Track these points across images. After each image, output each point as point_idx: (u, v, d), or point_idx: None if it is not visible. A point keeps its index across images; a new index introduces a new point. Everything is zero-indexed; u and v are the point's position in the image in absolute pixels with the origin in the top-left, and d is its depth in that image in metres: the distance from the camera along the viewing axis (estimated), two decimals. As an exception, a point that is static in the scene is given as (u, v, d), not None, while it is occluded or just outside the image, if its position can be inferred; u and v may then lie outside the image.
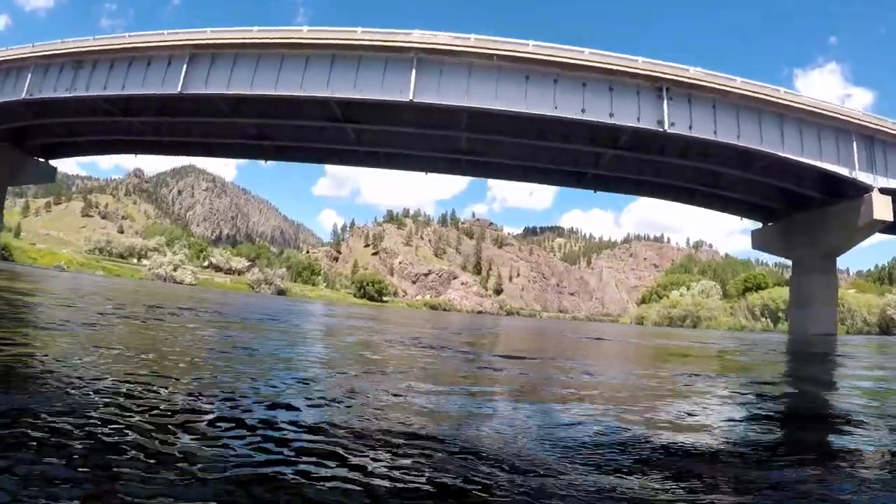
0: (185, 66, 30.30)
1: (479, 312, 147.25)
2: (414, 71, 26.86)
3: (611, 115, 27.29)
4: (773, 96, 30.00)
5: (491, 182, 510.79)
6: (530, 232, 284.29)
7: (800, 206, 36.22)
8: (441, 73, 27.18)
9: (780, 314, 65.05)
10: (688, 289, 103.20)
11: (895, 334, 54.46)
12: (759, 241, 40.24)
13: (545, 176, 36.20)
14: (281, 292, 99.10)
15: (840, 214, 33.61)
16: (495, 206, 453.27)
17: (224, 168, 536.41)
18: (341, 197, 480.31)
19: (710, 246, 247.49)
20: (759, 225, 40.55)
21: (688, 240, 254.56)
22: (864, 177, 31.80)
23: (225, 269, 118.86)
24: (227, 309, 17.35)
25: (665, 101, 27.77)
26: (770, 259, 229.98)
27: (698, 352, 14.30)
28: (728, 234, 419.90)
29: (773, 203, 37.20)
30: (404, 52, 27.32)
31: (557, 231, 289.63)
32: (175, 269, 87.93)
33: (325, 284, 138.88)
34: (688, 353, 13.84)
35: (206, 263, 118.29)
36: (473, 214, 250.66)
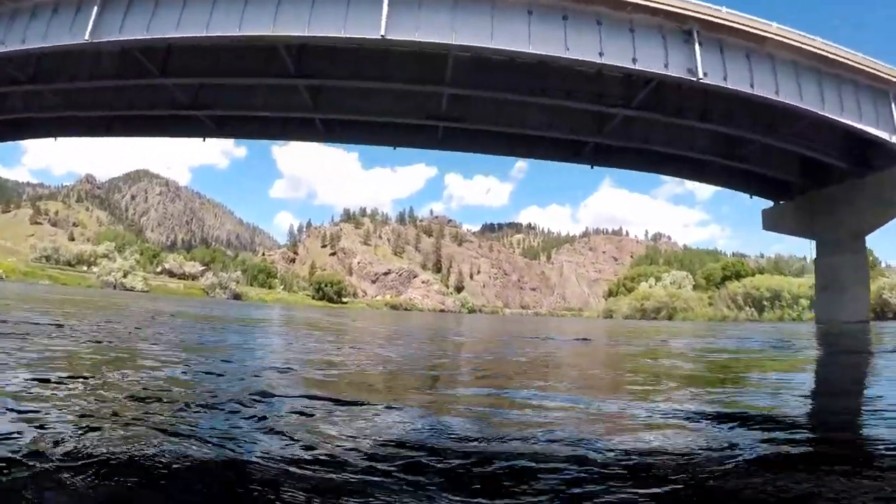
0: (95, 9, 23.21)
1: (442, 311, 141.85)
2: (386, 1, 20.50)
3: (634, 60, 21.52)
4: (810, 46, 24.95)
5: (448, 180, 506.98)
6: (488, 228, 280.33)
7: (821, 179, 31.56)
8: (420, 4, 20.88)
9: (764, 303, 61.46)
10: (657, 280, 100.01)
11: (889, 318, 51.36)
12: (772, 221, 35.43)
13: (535, 148, 30.21)
14: (237, 297, 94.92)
15: (873, 187, 29.11)
16: (452, 204, 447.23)
17: (178, 172, 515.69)
18: (297, 199, 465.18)
19: (669, 238, 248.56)
20: (770, 203, 35.87)
21: (646, 232, 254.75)
22: (904, 143, 27.29)
23: (178, 275, 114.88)
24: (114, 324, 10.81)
25: (696, 46, 22.28)
26: (728, 248, 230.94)
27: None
28: (685, 225, 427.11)
29: (792, 177, 32.38)
30: (373, -22, 20.93)
31: (516, 227, 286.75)
32: (125, 276, 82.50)
33: (282, 287, 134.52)
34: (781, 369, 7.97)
35: (159, 269, 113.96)
36: (431, 212, 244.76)
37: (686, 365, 7.59)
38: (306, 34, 20.88)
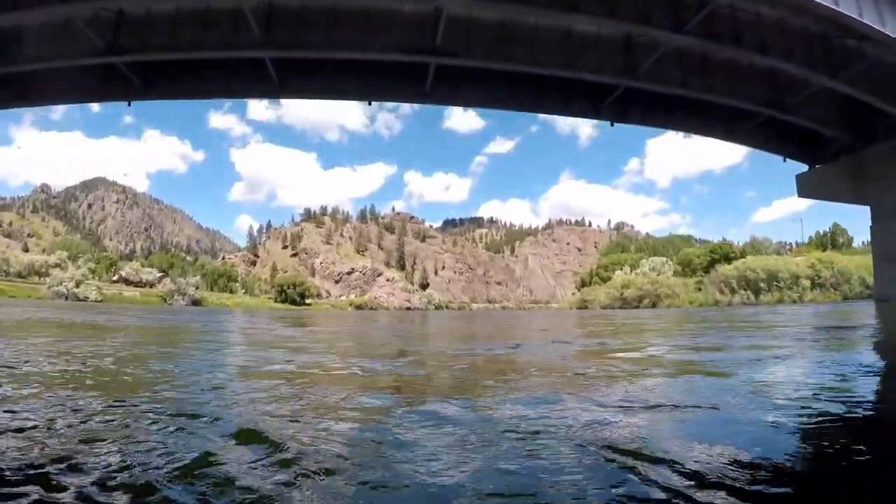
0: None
1: (408, 309, 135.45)
2: None
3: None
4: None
5: (408, 177, 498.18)
6: (450, 224, 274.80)
7: (871, 134, 26.39)
8: None
9: (761, 285, 56.89)
10: (632, 268, 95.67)
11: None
12: (810, 185, 30.02)
13: (545, 97, 23.55)
14: (196, 302, 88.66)
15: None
16: (413, 201, 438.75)
17: (136, 179, 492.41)
18: (257, 201, 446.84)
19: (632, 227, 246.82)
20: (804, 168, 30.51)
21: (609, 222, 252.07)
22: None
23: (135, 283, 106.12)
24: None
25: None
26: (696, 234, 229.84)
27: None
28: (644, 214, 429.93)
29: (838, 132, 27.03)
30: None
31: (477, 222, 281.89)
32: (77, 286, 75.41)
33: (243, 291, 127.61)
34: None
35: (115, 277, 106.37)
36: (393, 209, 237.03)
37: None
38: None
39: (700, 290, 65.98)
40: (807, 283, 53.46)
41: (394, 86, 22.51)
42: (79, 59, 21.38)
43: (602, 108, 24.21)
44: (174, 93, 23.66)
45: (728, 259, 66.08)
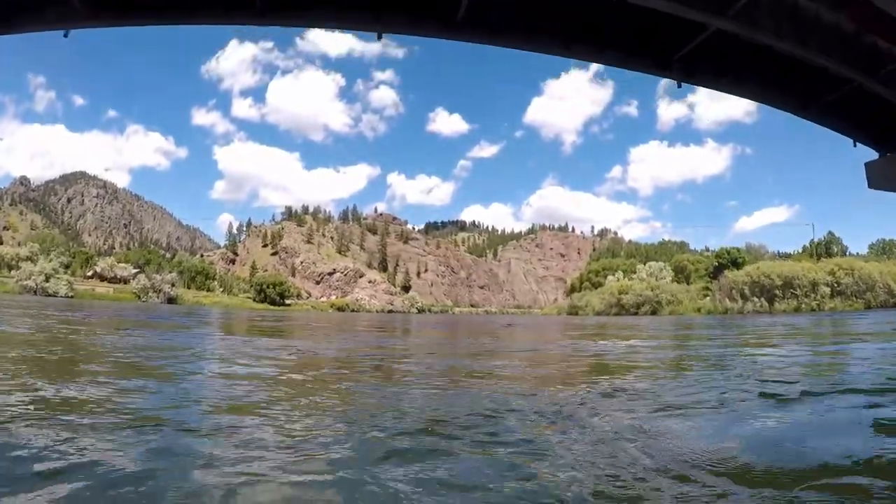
0: None
1: (390, 311, 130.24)
2: None
3: None
4: None
5: (391, 179, 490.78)
6: (432, 227, 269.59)
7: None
8: None
9: (776, 292, 52.65)
10: (625, 273, 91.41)
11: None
12: (884, 176, 25.36)
13: (607, 44, 18.76)
14: (171, 300, 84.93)
15: None
16: (395, 203, 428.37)
17: (117, 174, 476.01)
18: (239, 200, 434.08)
19: (616, 234, 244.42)
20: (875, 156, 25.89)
21: (592, 228, 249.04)
22: None
23: (109, 278, 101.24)
24: None
25: None
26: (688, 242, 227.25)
27: None
28: (626, 222, 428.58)
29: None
30: None
31: (459, 225, 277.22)
32: (47, 280, 72.39)
33: (221, 289, 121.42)
34: None
35: (89, 273, 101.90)
36: (376, 210, 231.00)
37: None
38: None
39: (707, 296, 61.79)
40: (826, 290, 49.42)
41: (413, 13, 17.12)
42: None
43: (672, 63, 18.96)
44: (125, 17, 17.81)
45: (736, 264, 61.84)
